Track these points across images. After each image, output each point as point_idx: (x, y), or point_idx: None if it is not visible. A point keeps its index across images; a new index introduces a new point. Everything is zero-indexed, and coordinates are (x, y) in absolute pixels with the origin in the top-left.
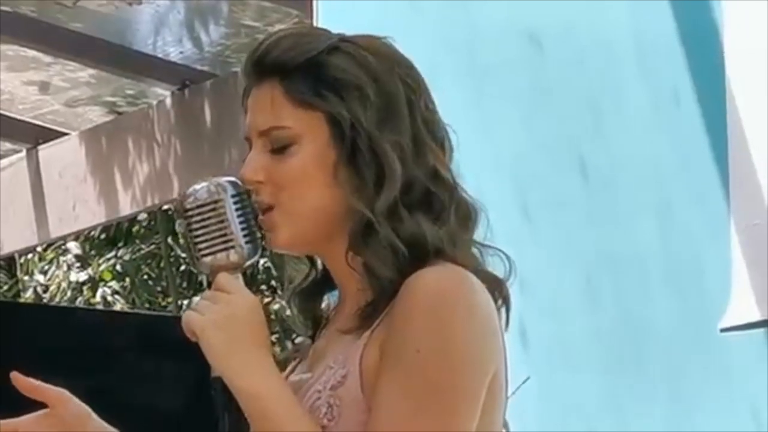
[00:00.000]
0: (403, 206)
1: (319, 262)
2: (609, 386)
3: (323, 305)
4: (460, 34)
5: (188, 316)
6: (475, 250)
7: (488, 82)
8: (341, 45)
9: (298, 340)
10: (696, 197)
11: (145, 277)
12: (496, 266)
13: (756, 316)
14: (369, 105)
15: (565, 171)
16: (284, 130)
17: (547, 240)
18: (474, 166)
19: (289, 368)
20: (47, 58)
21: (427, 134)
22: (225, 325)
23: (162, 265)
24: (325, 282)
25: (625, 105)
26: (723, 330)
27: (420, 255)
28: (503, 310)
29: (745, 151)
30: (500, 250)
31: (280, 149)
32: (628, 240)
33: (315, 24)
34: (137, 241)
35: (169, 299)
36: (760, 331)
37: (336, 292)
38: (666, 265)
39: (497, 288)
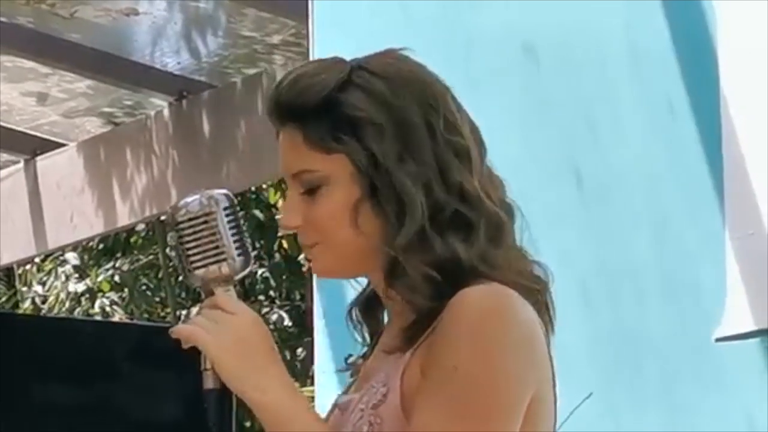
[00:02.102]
0: (433, 232)
1: None
2: (605, 396)
3: (382, 317)
4: (455, 44)
5: (193, 334)
6: (515, 254)
7: (483, 93)
8: (353, 77)
9: (350, 360)
10: (691, 207)
11: (144, 287)
12: None
13: (751, 326)
14: (386, 139)
15: (560, 182)
16: (312, 174)
17: (542, 251)
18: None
19: (344, 388)
20: (45, 69)
21: (449, 153)
22: (237, 350)
23: (160, 275)
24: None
25: (620, 116)
26: (718, 340)
27: (456, 275)
28: (548, 316)
29: (739, 162)
30: (536, 261)
31: (312, 190)
32: (624, 251)
33: (311, 33)
34: (135, 252)
35: (168, 310)
36: (755, 340)
37: None
38: (661, 276)
39: (539, 293)
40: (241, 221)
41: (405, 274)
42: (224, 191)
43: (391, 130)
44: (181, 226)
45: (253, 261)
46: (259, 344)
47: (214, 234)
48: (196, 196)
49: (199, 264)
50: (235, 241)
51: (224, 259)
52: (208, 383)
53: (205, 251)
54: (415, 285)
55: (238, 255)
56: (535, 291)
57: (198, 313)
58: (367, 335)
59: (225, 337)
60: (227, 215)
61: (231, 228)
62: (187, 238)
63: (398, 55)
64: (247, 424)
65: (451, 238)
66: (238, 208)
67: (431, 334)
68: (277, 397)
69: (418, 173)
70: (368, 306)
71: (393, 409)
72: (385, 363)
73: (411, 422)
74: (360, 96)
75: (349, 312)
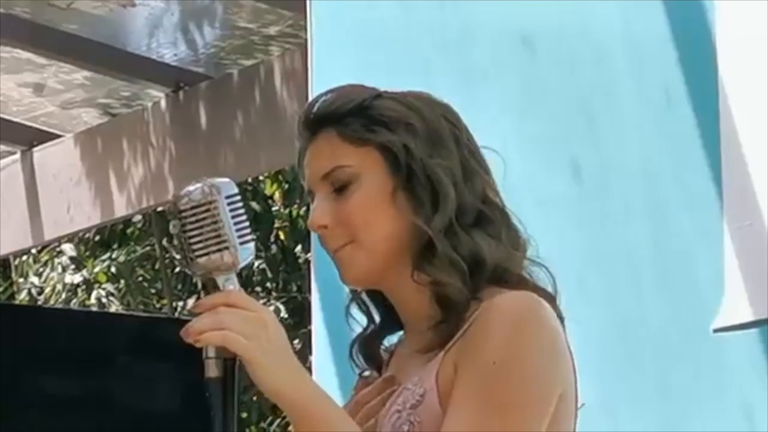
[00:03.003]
0: (459, 226)
1: (375, 315)
2: (601, 388)
3: (382, 348)
4: (452, 35)
5: (227, 338)
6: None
7: (480, 83)
8: (384, 94)
9: (365, 374)
10: (688, 197)
11: (140, 279)
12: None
13: (749, 317)
14: (417, 136)
15: (557, 172)
16: (344, 170)
17: (537, 241)
18: None
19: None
20: (41, 60)
21: (473, 161)
22: (269, 349)
23: (157, 267)
24: (383, 328)
25: (617, 106)
26: (716, 330)
27: (481, 269)
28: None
29: (737, 152)
30: (544, 266)
31: (341, 189)
32: (620, 241)
33: (309, 25)
34: (132, 243)
35: (164, 301)
36: (753, 331)
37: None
38: (658, 266)
39: (553, 306)
40: (243, 210)
41: (437, 257)
42: (226, 180)
43: (421, 131)
44: (184, 214)
45: (253, 249)
46: (285, 341)
47: (216, 222)
48: (199, 185)
49: (201, 252)
50: (237, 230)
51: (226, 248)
52: (211, 372)
53: (207, 239)
54: (444, 267)
55: (241, 243)
56: (551, 300)
57: (197, 305)
58: (372, 364)
59: (259, 339)
60: (229, 204)
61: (233, 217)
62: (190, 227)
63: (425, 92)
64: (244, 415)
65: (476, 234)
66: (240, 197)
67: (463, 335)
68: (312, 394)
69: (447, 169)
70: (369, 343)
71: (432, 409)
72: (416, 363)
73: (448, 411)
74: (393, 102)
75: (351, 350)
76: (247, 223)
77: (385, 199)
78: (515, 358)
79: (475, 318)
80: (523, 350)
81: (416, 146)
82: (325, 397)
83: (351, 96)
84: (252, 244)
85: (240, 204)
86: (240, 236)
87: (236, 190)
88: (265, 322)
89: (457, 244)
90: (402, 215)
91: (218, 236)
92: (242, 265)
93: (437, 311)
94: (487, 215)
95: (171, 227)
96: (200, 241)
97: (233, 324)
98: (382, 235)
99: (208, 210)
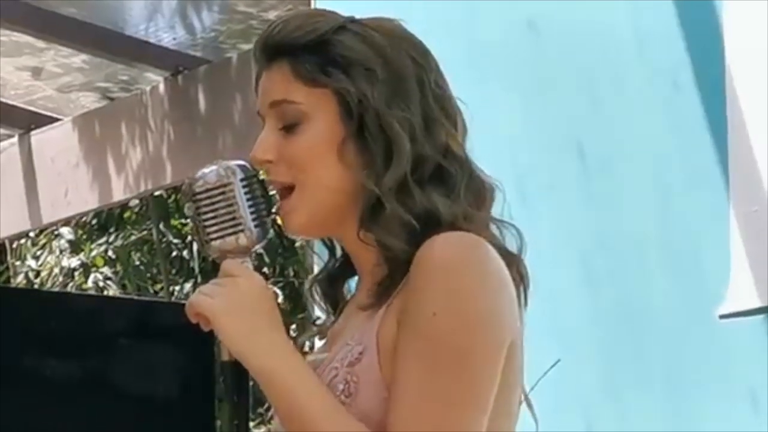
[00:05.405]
0: (414, 182)
1: (338, 249)
2: (606, 372)
3: (344, 289)
4: (459, 19)
5: (197, 300)
6: (492, 228)
7: (487, 67)
8: (348, 25)
9: (318, 321)
10: (695, 183)
11: (137, 263)
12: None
13: (755, 303)
14: (376, 82)
15: (563, 155)
16: (294, 106)
17: (544, 224)
18: (471, 150)
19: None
20: (40, 44)
21: (438, 111)
22: (236, 308)
23: (153, 250)
24: (346, 268)
25: (624, 89)
26: (722, 317)
27: (433, 228)
28: (521, 287)
29: (744, 137)
30: (512, 225)
31: (290, 127)
32: (626, 225)
33: (313, 7)
34: (128, 227)
35: (160, 285)
36: (759, 317)
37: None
38: (664, 251)
39: (514, 264)
40: (259, 193)
41: (384, 217)
42: (242, 162)
43: (382, 77)
44: (199, 197)
45: (269, 232)
46: (259, 306)
47: (231, 205)
48: (214, 167)
49: (215, 235)
50: (251, 213)
51: (241, 230)
52: (224, 355)
53: (222, 222)
54: (393, 230)
55: (255, 226)
56: (511, 257)
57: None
58: (330, 308)
59: (226, 298)
60: (244, 186)
61: (248, 199)
62: (204, 209)
63: (393, 19)
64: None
65: (432, 193)
66: (255, 180)
67: (403, 287)
68: (276, 361)
69: (405, 121)
70: (330, 282)
71: (370, 368)
72: (358, 320)
73: (394, 374)
74: (354, 39)
75: (310, 288)
76: (263, 205)
77: (333, 148)
78: (456, 306)
79: (412, 265)
80: (463, 295)
81: (374, 95)
82: (293, 362)
83: (310, 26)
84: (267, 227)
85: (255, 186)
86: (254, 219)
87: (252, 173)
88: (234, 283)
89: (409, 202)
90: (349, 167)
91: (233, 219)
92: (257, 247)
93: (383, 268)
94: (446, 169)
95: (186, 209)
96: (215, 224)
97: (204, 287)
98: (325, 184)
99: (223, 193)
